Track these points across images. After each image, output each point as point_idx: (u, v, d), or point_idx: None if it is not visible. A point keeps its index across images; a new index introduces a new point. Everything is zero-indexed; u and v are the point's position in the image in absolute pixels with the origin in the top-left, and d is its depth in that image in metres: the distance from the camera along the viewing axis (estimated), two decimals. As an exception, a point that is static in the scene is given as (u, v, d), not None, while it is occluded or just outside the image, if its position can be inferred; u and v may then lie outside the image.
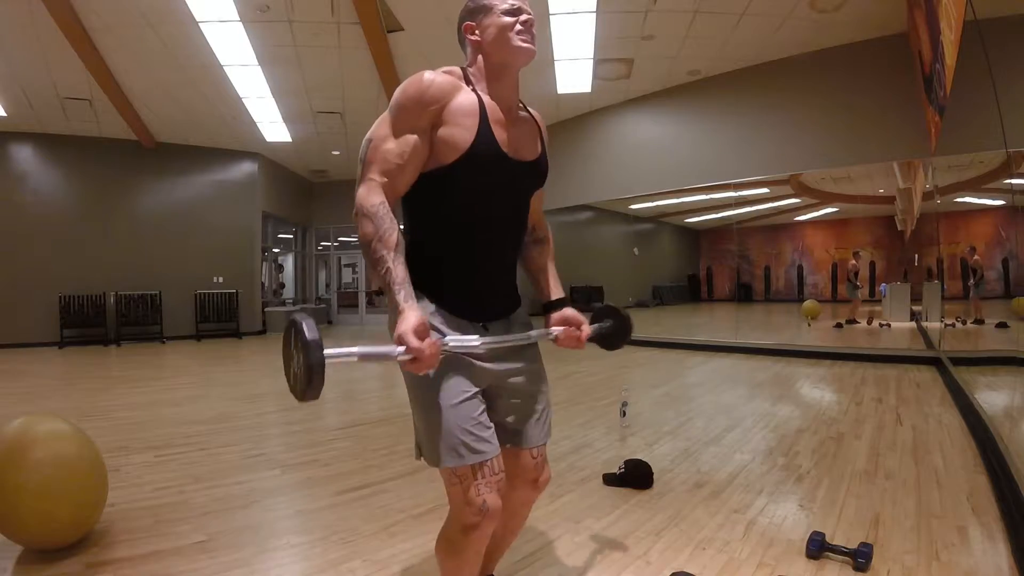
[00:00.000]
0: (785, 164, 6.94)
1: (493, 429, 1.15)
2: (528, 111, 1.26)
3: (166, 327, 9.42)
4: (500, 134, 1.14)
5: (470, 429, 1.10)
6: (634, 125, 8.18)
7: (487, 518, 1.11)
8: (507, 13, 1.13)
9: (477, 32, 1.15)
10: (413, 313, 0.98)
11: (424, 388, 1.12)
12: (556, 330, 1.25)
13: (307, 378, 0.84)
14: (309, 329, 0.84)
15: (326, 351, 0.85)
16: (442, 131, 1.09)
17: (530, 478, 1.26)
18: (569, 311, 1.28)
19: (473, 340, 1.09)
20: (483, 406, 1.14)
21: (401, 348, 0.95)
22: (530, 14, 1.15)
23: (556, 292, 1.32)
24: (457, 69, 1.17)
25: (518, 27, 1.13)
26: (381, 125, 1.11)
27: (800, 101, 6.56)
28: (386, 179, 1.08)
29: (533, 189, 1.26)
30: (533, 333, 1.21)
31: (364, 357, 0.91)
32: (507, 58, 1.14)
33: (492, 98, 1.16)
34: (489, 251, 1.19)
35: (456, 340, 1.07)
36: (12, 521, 1.74)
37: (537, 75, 7.23)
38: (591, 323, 1.39)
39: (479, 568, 1.22)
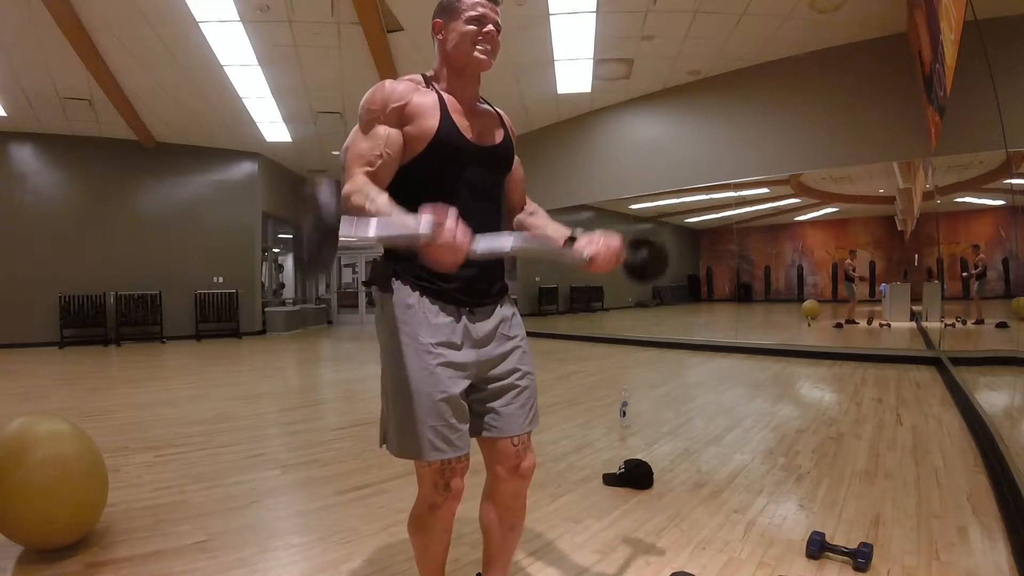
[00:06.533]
0: (785, 164, 6.94)
1: (465, 430, 1.18)
2: (489, 106, 1.32)
3: (166, 327, 9.43)
4: (461, 122, 1.20)
5: (440, 430, 1.13)
6: (634, 125, 8.19)
7: (451, 499, 1.19)
8: (471, 21, 1.16)
9: (442, 33, 1.20)
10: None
11: (401, 383, 1.15)
12: (587, 248, 1.17)
13: (317, 243, 0.79)
14: (326, 193, 0.80)
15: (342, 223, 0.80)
16: (408, 127, 1.15)
17: (511, 465, 1.25)
18: (592, 234, 1.21)
19: (506, 238, 1.02)
20: (457, 407, 1.15)
21: (427, 219, 0.86)
22: (495, 23, 1.18)
23: (567, 230, 1.27)
24: (418, 75, 1.24)
25: (479, 36, 1.16)
26: (354, 133, 1.18)
27: (800, 101, 6.56)
28: (369, 168, 1.11)
29: (502, 173, 1.31)
30: (566, 250, 1.16)
31: (382, 236, 0.84)
32: (464, 64, 1.20)
33: (452, 95, 1.22)
34: None
35: (487, 240, 0.97)
36: (12, 521, 1.73)
37: (537, 75, 7.23)
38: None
39: (447, 542, 1.29)
